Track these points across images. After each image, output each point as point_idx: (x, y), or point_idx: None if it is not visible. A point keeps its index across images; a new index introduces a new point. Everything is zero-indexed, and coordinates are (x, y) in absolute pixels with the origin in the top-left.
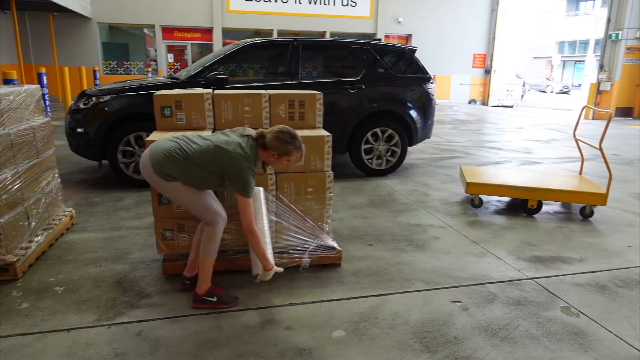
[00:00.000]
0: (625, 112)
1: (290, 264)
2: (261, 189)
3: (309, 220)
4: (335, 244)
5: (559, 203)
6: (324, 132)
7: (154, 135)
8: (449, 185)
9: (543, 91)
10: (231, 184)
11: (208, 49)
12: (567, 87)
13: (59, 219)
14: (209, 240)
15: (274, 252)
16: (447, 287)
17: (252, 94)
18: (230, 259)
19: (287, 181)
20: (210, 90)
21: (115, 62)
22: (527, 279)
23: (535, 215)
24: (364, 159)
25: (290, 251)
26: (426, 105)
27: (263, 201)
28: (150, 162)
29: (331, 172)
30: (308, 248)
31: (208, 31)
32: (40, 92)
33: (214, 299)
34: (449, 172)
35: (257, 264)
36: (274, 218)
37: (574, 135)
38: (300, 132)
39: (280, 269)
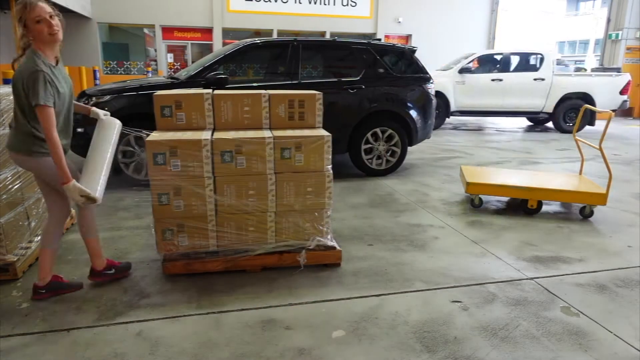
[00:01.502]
0: (625, 112)
1: (289, 263)
2: (117, 122)
3: (309, 220)
4: (335, 244)
5: (559, 203)
6: (324, 132)
7: (154, 135)
8: (449, 185)
9: None
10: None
11: (208, 49)
12: None
13: None
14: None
15: (274, 252)
16: (447, 287)
17: (252, 94)
18: (230, 259)
19: (287, 181)
20: (210, 90)
21: (115, 62)
22: (527, 279)
23: (535, 215)
24: (364, 159)
25: (290, 251)
26: (426, 105)
27: (115, 133)
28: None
29: (331, 171)
30: (308, 247)
31: (208, 31)
32: None
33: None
34: (449, 172)
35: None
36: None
37: (574, 135)
38: (300, 132)
39: (87, 194)
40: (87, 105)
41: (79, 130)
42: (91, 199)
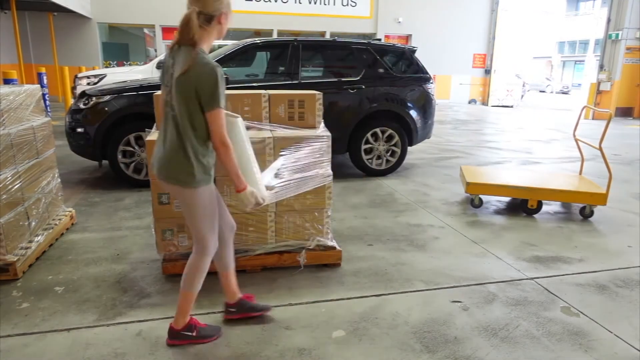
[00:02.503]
0: (625, 112)
1: (289, 263)
2: (239, 117)
3: (308, 220)
4: (335, 244)
5: (559, 203)
6: (324, 132)
7: (153, 135)
8: (449, 185)
9: (543, 91)
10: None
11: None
12: (567, 87)
13: (59, 219)
14: (194, 271)
15: (273, 252)
16: (447, 287)
17: (252, 94)
18: None
19: None
20: None
21: (115, 62)
22: (527, 279)
23: (535, 215)
24: (364, 159)
25: (290, 251)
26: (426, 105)
27: (243, 129)
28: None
29: (330, 172)
30: (308, 247)
31: None
32: (40, 92)
33: (193, 334)
34: (449, 172)
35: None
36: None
37: (574, 135)
38: (299, 132)
39: (266, 196)
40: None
41: (79, 130)
42: (258, 203)
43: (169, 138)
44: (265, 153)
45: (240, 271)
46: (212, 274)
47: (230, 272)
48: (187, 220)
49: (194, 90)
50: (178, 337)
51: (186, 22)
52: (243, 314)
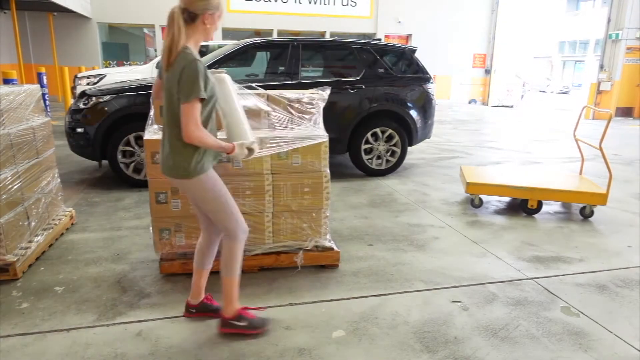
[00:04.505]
0: (625, 112)
1: (287, 264)
2: (226, 73)
3: (306, 221)
4: (333, 245)
5: (559, 203)
6: (321, 133)
7: (153, 134)
8: (449, 185)
9: (543, 91)
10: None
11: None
12: (567, 87)
13: (59, 219)
14: (228, 255)
15: (271, 253)
16: (447, 287)
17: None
18: None
19: (284, 181)
20: None
21: (115, 62)
22: (527, 279)
23: (535, 215)
24: (364, 159)
25: (287, 251)
26: (426, 105)
27: (231, 84)
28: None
29: (328, 172)
30: (305, 248)
31: None
32: (40, 92)
33: (244, 324)
34: (449, 172)
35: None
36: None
37: (574, 135)
38: (297, 132)
39: (254, 141)
40: None
41: (79, 130)
42: (251, 150)
43: (166, 134)
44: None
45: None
46: (212, 273)
47: (204, 270)
48: (206, 212)
49: (177, 84)
50: (229, 325)
51: (171, 18)
52: (203, 314)
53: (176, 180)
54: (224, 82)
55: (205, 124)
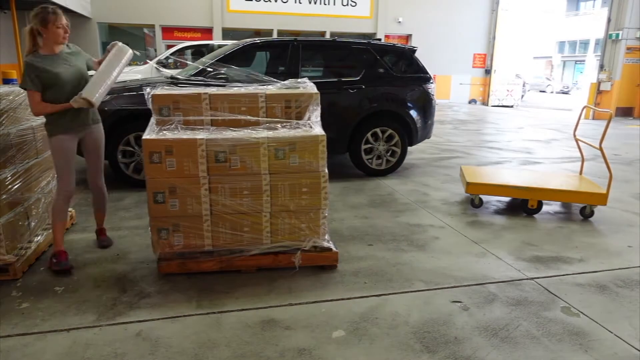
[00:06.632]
0: (625, 112)
1: (285, 264)
2: (129, 50)
3: (304, 221)
4: (331, 245)
5: (559, 203)
6: (319, 132)
7: (151, 134)
8: (449, 185)
9: (543, 91)
10: None
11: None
12: (567, 87)
13: None
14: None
15: (269, 253)
16: (447, 287)
17: (249, 93)
18: (225, 259)
19: (282, 181)
20: (208, 90)
21: None
22: (527, 279)
23: (535, 215)
24: (364, 159)
25: (285, 252)
26: (426, 105)
27: (125, 56)
28: None
29: (326, 172)
30: (303, 249)
31: (208, 31)
32: None
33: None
34: (449, 172)
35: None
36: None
37: (574, 135)
38: (295, 132)
39: (85, 97)
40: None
41: None
42: (90, 103)
43: None
44: (260, 153)
45: (236, 271)
46: (213, 273)
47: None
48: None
49: None
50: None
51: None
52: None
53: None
54: (120, 50)
55: (49, 99)
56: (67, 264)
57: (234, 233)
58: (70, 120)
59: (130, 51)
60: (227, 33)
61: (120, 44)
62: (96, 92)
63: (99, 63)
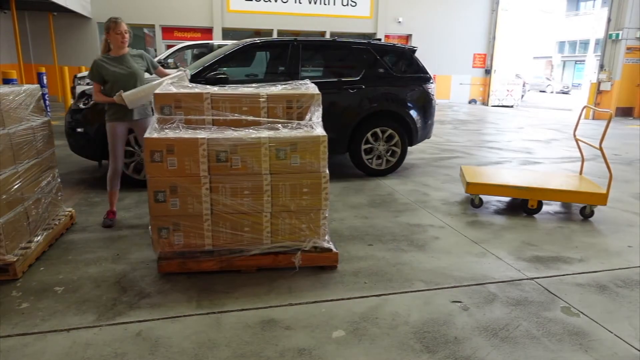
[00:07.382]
0: (625, 112)
1: (285, 265)
2: (186, 80)
3: (305, 221)
4: (331, 246)
5: (559, 203)
6: (320, 132)
7: (152, 133)
8: (449, 185)
9: (543, 91)
10: None
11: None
12: (567, 87)
13: (59, 219)
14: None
15: (269, 253)
16: (447, 287)
17: (251, 94)
18: (225, 259)
19: (283, 181)
20: (209, 89)
21: None
22: (527, 279)
23: (535, 215)
24: (364, 159)
25: (285, 252)
26: (426, 105)
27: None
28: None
29: (327, 172)
30: (303, 249)
31: (208, 31)
32: (40, 92)
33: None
34: (449, 172)
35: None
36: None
37: (574, 135)
38: (296, 132)
39: (119, 96)
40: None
41: (79, 130)
42: (121, 99)
43: None
44: (261, 153)
45: (237, 271)
46: (213, 273)
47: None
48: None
49: None
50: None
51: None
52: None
53: None
54: (179, 79)
55: (105, 92)
56: (109, 222)
57: (234, 233)
58: (120, 112)
59: (187, 80)
60: (227, 33)
61: (187, 72)
62: (132, 97)
63: (161, 73)
